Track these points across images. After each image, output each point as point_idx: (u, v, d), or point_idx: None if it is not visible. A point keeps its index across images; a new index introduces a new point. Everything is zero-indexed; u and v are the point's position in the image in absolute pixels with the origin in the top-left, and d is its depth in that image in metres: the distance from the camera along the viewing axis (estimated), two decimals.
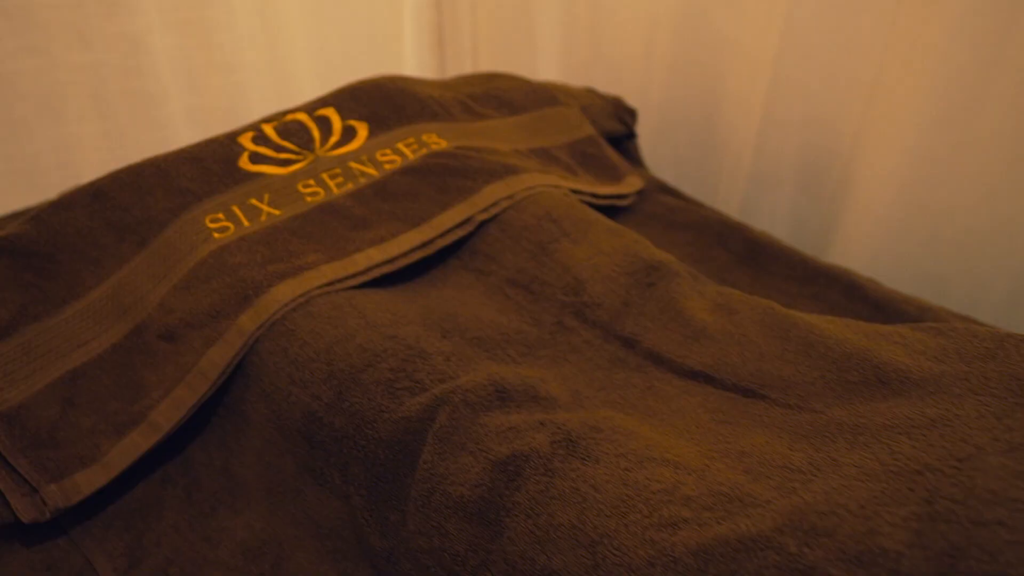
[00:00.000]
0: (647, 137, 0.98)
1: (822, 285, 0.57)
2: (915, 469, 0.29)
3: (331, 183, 0.54)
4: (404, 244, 0.50)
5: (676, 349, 0.43)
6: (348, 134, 0.58)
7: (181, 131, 0.79)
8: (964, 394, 0.33)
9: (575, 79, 0.95)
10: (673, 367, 0.42)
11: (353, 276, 0.48)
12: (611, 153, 0.66)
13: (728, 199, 0.95)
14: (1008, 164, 0.68)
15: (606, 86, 0.91)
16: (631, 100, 0.97)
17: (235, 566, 0.40)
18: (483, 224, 0.53)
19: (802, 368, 0.39)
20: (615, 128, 0.71)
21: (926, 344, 0.38)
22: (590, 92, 0.74)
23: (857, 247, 0.82)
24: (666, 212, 0.64)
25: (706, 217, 0.64)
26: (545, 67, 1.02)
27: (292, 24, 0.87)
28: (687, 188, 0.98)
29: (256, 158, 0.55)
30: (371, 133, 0.58)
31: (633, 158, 0.73)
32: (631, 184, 0.64)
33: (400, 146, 0.57)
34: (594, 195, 0.60)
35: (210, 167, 0.53)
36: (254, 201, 0.52)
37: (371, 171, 0.55)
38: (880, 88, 0.73)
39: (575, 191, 0.58)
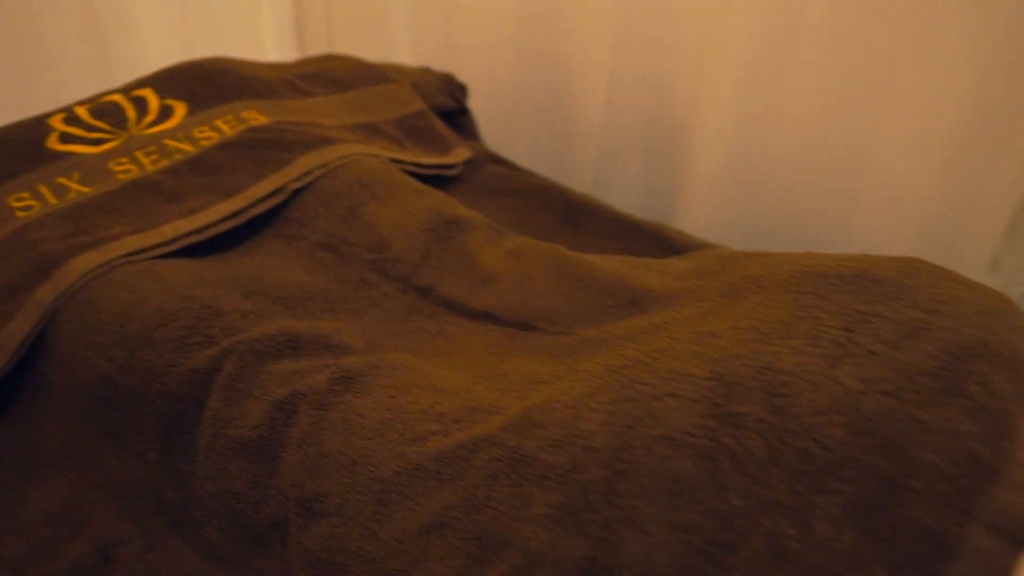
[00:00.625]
0: (501, 122, 1.01)
1: (632, 238, 0.61)
2: (625, 364, 0.32)
3: (145, 160, 0.54)
4: (213, 215, 0.51)
5: (466, 294, 0.46)
6: (165, 113, 0.58)
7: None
8: (688, 303, 0.37)
9: (432, 66, 0.98)
10: (463, 310, 0.45)
11: (159, 246, 0.48)
12: (440, 126, 0.69)
13: (583, 175, 1.00)
14: (816, 116, 0.74)
15: (460, 72, 0.94)
16: (483, 85, 1.00)
17: (34, 533, 0.41)
18: (298, 193, 0.54)
19: (571, 300, 0.42)
20: (446, 103, 0.74)
21: (677, 267, 0.42)
22: (424, 70, 0.77)
23: (699, 207, 0.88)
24: (494, 180, 0.67)
25: (530, 183, 0.67)
26: (401, 56, 1.03)
27: (139, 18, 0.86)
28: (544, 169, 1.02)
29: (66, 138, 0.55)
30: (190, 112, 0.58)
31: (466, 132, 0.76)
32: (459, 155, 0.67)
33: (219, 123, 0.58)
34: (418, 165, 0.62)
35: (15, 148, 0.53)
36: (62, 180, 0.52)
37: (187, 147, 0.56)
38: (705, 54, 0.78)
39: (397, 160, 0.60)
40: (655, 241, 0.61)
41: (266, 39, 1.07)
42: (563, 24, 0.91)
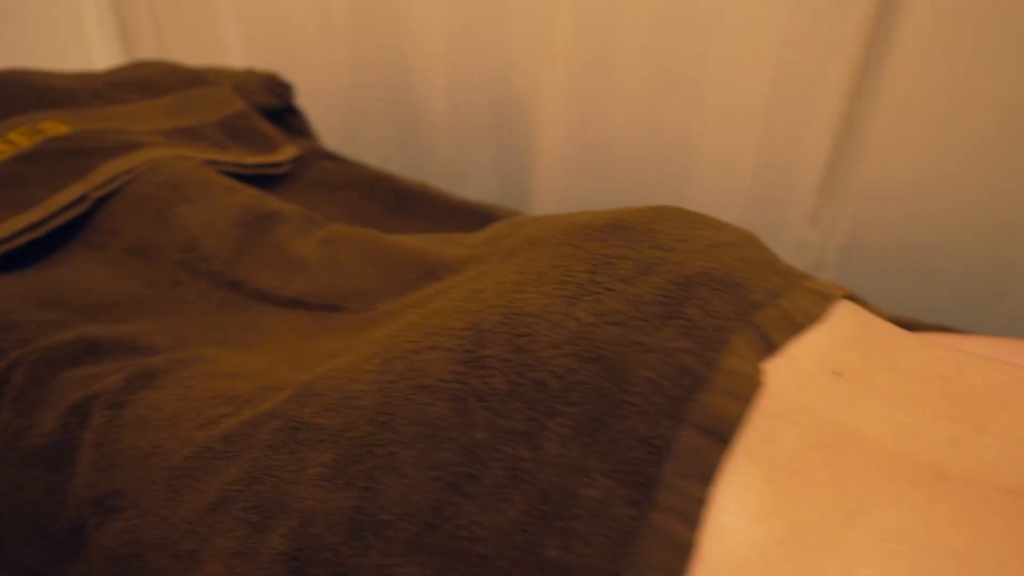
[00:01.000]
0: (346, 122, 1.01)
1: (461, 220, 0.63)
2: (403, 328, 0.33)
3: None
4: (7, 229, 0.49)
5: (277, 284, 0.46)
6: None
7: None
8: (473, 267, 0.39)
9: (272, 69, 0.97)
10: (274, 300, 0.46)
11: None
12: (264, 126, 0.68)
13: (436, 167, 1.01)
14: (643, 96, 0.78)
15: (294, 74, 0.94)
16: (322, 84, 0.99)
17: None
18: (104, 200, 0.53)
19: (376, 278, 0.44)
20: (271, 102, 0.74)
21: (474, 238, 0.44)
22: (246, 71, 0.76)
23: (551, 190, 0.91)
24: (324, 176, 0.68)
25: (360, 176, 0.68)
26: (236, 60, 1.02)
27: None
28: (397, 165, 1.03)
29: None
30: None
31: (296, 130, 0.76)
32: (286, 153, 0.67)
33: (12, 135, 0.55)
34: (241, 165, 0.62)
35: None
36: None
37: None
38: (537, 38, 0.81)
39: (215, 162, 0.60)
40: (481, 221, 0.63)
41: (92, 51, 1.02)
42: (398, 18, 0.92)
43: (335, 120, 1.01)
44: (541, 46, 0.83)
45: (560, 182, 0.90)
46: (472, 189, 1.00)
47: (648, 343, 0.28)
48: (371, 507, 0.27)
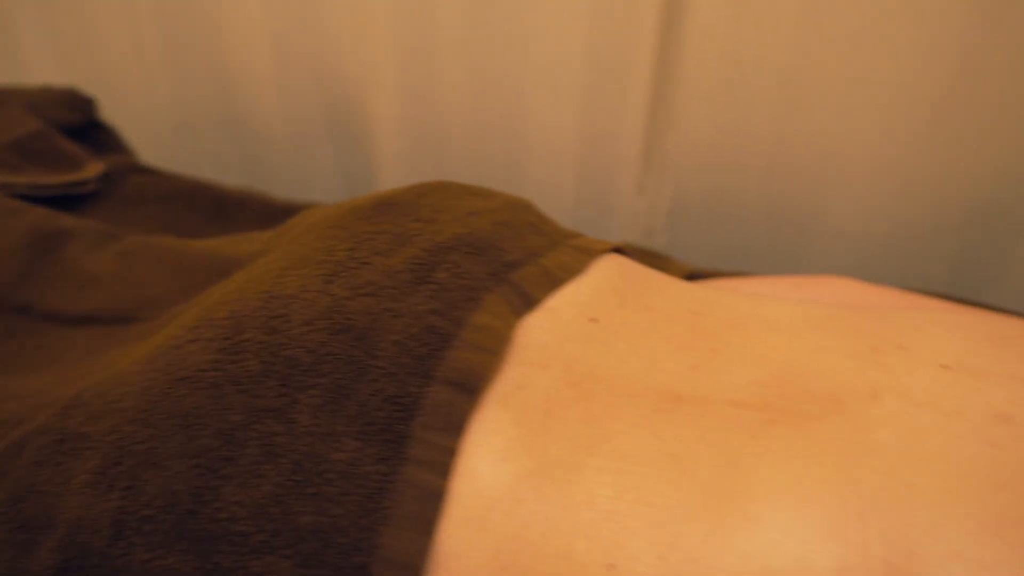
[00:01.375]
0: (172, 138, 0.98)
1: (283, 220, 0.62)
2: (174, 326, 0.33)
3: None
4: None
5: (67, 303, 0.44)
6: None
7: None
8: (257, 260, 0.39)
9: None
10: (64, 320, 0.44)
11: None
12: (64, 144, 0.65)
13: (275, 176, 0.99)
14: (470, 84, 0.80)
15: (110, 92, 0.90)
16: (137, 103, 0.95)
17: None
18: None
19: (169, 285, 0.43)
20: (71, 118, 0.70)
21: (268, 233, 0.44)
22: (42, 89, 0.72)
23: (394, 186, 0.91)
24: (138, 190, 0.66)
25: (177, 187, 0.66)
26: (43, 80, 0.96)
27: None
28: (235, 178, 1.00)
29: None
30: None
31: (104, 146, 0.73)
32: (90, 170, 0.64)
33: None
34: (36, 186, 0.59)
35: None
36: None
37: None
38: (361, 32, 0.80)
39: (6, 185, 0.57)
40: None
41: None
42: (216, 28, 0.90)
43: (162, 137, 0.98)
44: (366, 42, 0.83)
45: (403, 177, 0.90)
46: (318, 193, 0.99)
47: (397, 309, 0.29)
48: (133, 505, 0.27)
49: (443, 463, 0.26)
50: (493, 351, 0.29)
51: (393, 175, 0.91)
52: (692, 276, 0.53)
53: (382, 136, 0.89)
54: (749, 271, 0.68)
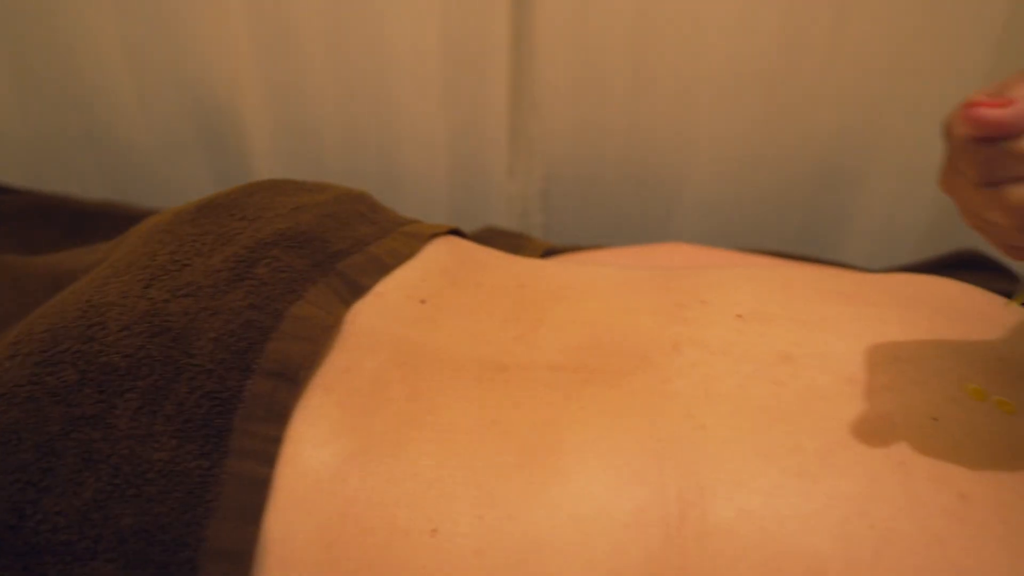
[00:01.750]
0: (31, 161, 0.93)
1: None
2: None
3: None
4: None
5: None
6: None
7: None
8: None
9: None
10: None
11: None
12: None
13: (149, 189, 0.96)
14: (336, 80, 0.79)
15: None
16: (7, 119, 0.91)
17: None
18: None
19: (9, 304, 0.42)
20: None
21: (109, 243, 0.44)
22: None
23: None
24: None
25: (32, 203, 0.64)
26: None
27: None
28: (101, 194, 0.96)
29: None
30: None
31: None
32: None
33: None
34: None
35: None
36: None
37: None
38: (227, 33, 0.79)
39: None
40: None
41: None
42: (67, 46, 0.86)
43: (15, 155, 0.93)
44: (226, 42, 0.82)
45: (280, 173, 0.89)
46: (194, 199, 0.97)
47: (215, 307, 0.30)
48: None
49: (267, 452, 0.27)
50: (314, 339, 0.30)
51: (270, 173, 0.90)
52: (549, 252, 0.55)
53: (254, 135, 0.88)
54: (622, 243, 0.71)
